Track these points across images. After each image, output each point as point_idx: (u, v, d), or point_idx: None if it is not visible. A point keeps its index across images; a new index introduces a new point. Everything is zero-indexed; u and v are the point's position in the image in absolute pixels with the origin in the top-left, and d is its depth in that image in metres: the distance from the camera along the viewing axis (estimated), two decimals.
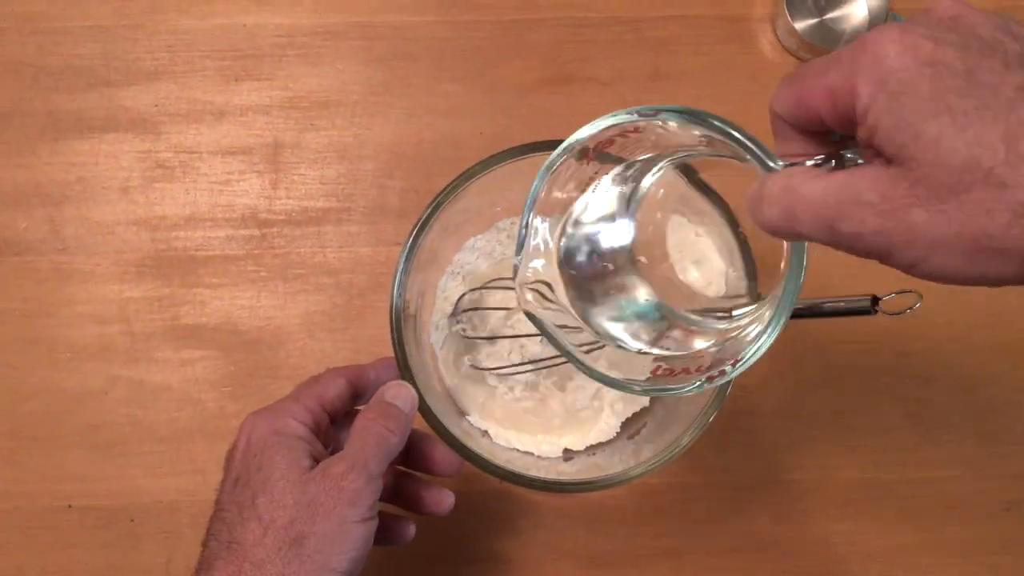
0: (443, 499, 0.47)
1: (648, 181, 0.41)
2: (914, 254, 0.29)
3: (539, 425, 0.55)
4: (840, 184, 0.30)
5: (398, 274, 0.47)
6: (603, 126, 0.38)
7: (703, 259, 0.45)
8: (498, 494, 0.58)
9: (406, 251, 0.47)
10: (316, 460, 0.42)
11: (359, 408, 0.47)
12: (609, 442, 0.54)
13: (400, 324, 0.47)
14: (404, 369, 0.47)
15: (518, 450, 0.54)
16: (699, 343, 0.41)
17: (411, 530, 0.48)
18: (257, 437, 0.42)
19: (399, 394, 0.45)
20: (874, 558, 0.59)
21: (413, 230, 0.47)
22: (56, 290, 0.60)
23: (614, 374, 0.40)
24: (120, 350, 0.59)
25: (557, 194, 0.41)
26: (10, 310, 0.59)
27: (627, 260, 0.40)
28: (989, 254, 0.28)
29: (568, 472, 0.52)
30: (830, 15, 0.61)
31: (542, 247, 0.41)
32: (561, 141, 0.47)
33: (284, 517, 0.39)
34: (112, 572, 0.57)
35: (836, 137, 0.33)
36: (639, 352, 0.41)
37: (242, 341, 0.59)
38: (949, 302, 0.60)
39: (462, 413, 0.55)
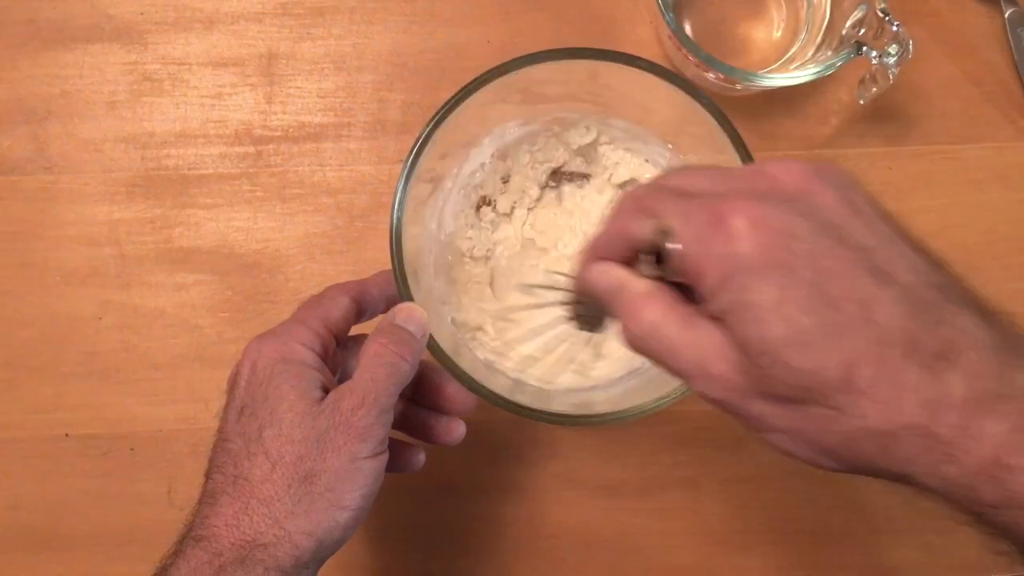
0: (454, 428, 0.46)
1: None
2: (754, 427, 0.30)
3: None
4: (695, 342, 0.30)
5: (398, 194, 0.44)
6: None
7: None
8: (510, 423, 0.56)
9: (407, 170, 0.44)
10: (325, 389, 0.40)
11: (363, 333, 0.45)
12: (626, 375, 0.52)
13: (401, 248, 0.44)
14: (407, 298, 0.44)
15: (531, 384, 0.52)
16: None
17: (421, 458, 0.46)
18: (263, 364, 0.40)
19: (411, 316, 0.43)
20: (896, 488, 0.57)
21: (414, 147, 0.44)
22: (44, 211, 0.57)
23: None
24: (111, 274, 0.56)
25: None
26: None
27: None
28: (821, 454, 0.29)
29: (584, 404, 0.50)
30: None
31: None
32: (573, 49, 0.44)
33: (293, 453, 0.38)
34: (112, 501, 0.55)
35: None
36: None
37: (239, 264, 0.57)
38: None
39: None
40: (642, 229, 0.31)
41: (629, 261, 0.33)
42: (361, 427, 0.38)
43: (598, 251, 0.34)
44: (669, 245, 0.30)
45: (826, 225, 0.28)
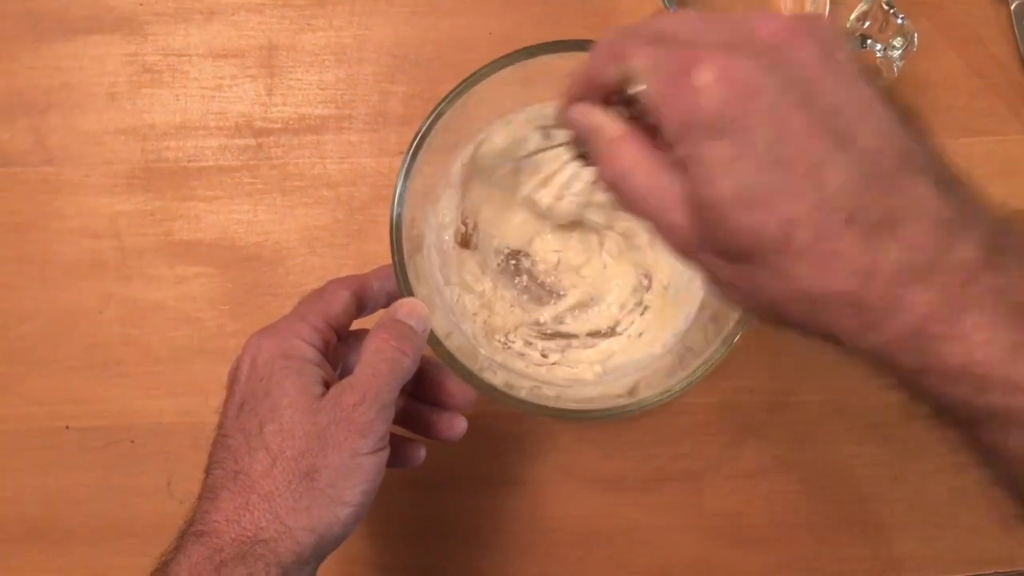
0: (455, 423, 0.46)
1: None
2: (708, 278, 0.31)
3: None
4: (658, 193, 0.31)
5: (398, 188, 0.44)
6: None
7: None
8: (510, 416, 0.56)
9: (406, 164, 0.44)
10: (326, 385, 0.40)
11: (364, 328, 0.45)
12: (623, 371, 0.51)
13: (401, 243, 0.44)
14: (407, 293, 0.44)
15: (532, 377, 0.51)
16: None
17: (421, 453, 0.46)
18: (264, 360, 0.40)
19: (412, 311, 0.42)
20: (901, 480, 0.57)
21: (414, 140, 0.44)
22: (44, 204, 0.57)
23: None
24: (112, 267, 0.56)
25: None
26: None
27: None
28: (762, 308, 0.30)
29: (584, 399, 0.50)
30: None
31: None
32: (576, 41, 0.44)
33: (294, 448, 0.37)
34: (113, 494, 0.55)
35: None
36: None
37: (239, 257, 0.56)
38: None
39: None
40: (610, 73, 0.31)
41: (607, 102, 0.33)
42: (362, 423, 0.38)
43: (573, 92, 0.34)
44: (633, 89, 0.30)
45: (795, 81, 0.28)
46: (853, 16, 0.51)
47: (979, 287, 0.27)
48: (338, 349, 0.44)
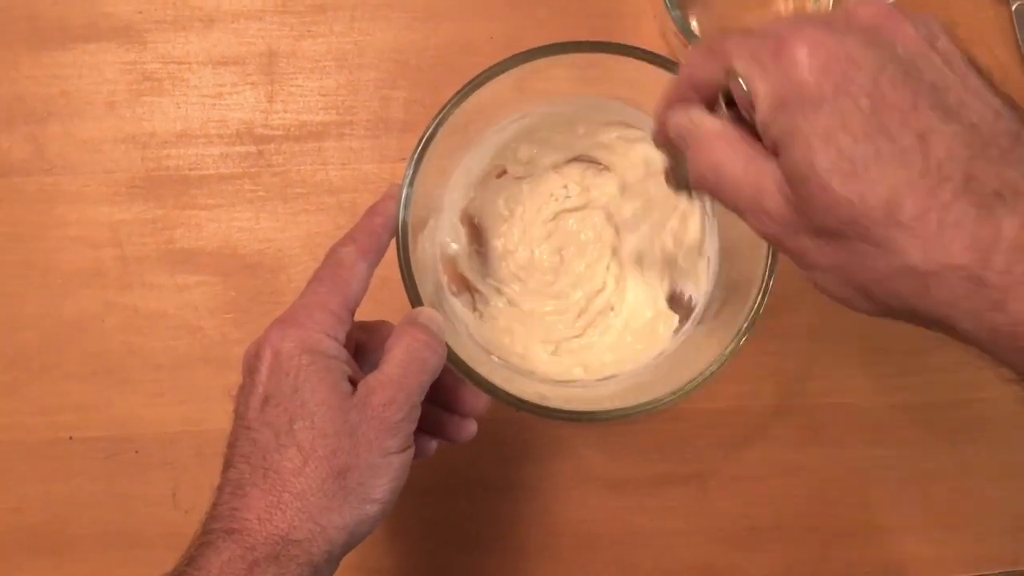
0: (465, 426, 0.46)
1: None
2: (801, 263, 0.31)
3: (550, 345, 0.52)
4: (754, 179, 0.30)
5: (404, 192, 0.44)
6: None
7: None
8: (517, 423, 0.56)
9: (411, 169, 0.44)
10: (352, 381, 0.39)
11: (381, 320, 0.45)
12: (631, 372, 0.51)
13: (408, 252, 0.43)
14: (415, 300, 0.44)
15: (533, 376, 0.51)
16: None
17: (433, 445, 0.46)
18: (287, 354, 0.39)
19: (432, 318, 0.42)
20: (907, 482, 0.57)
21: (418, 146, 0.44)
22: (44, 212, 0.57)
23: None
24: (113, 275, 0.56)
25: None
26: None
27: None
28: (858, 293, 0.29)
29: (586, 401, 0.50)
30: None
31: None
32: (579, 43, 0.44)
33: (326, 447, 0.37)
34: (117, 503, 0.55)
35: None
36: None
37: (241, 265, 0.56)
38: None
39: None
40: (709, 72, 0.31)
41: (707, 104, 0.33)
42: (393, 422, 0.38)
43: (672, 97, 0.34)
44: (734, 84, 0.30)
45: (897, 58, 0.27)
46: None
47: None
48: (354, 331, 0.43)
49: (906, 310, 0.28)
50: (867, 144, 0.26)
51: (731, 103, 0.32)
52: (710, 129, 0.32)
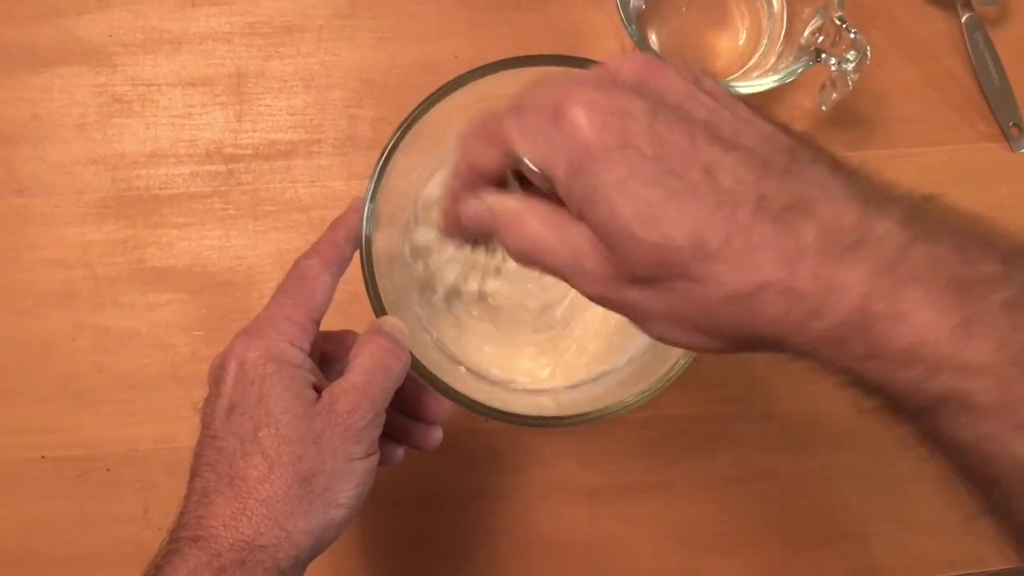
0: (430, 433, 0.46)
1: None
2: (635, 317, 0.30)
3: (517, 351, 0.52)
4: (569, 244, 0.30)
5: (366, 208, 0.44)
6: None
7: None
8: (485, 433, 0.56)
9: (372, 184, 0.44)
10: (316, 388, 0.40)
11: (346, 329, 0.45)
12: (599, 376, 0.52)
13: (372, 263, 0.44)
14: (379, 310, 0.44)
15: (501, 384, 0.52)
16: None
17: (400, 452, 0.46)
18: (252, 364, 0.39)
19: (396, 327, 0.43)
20: (874, 487, 0.58)
21: (379, 161, 0.44)
22: (15, 234, 0.57)
23: None
24: (84, 296, 0.56)
25: None
26: None
27: None
28: (697, 332, 0.29)
29: (554, 408, 0.50)
30: None
31: None
32: (535, 56, 0.45)
33: (291, 453, 0.37)
34: (89, 522, 0.55)
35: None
36: None
37: (212, 283, 0.57)
38: None
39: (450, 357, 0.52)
40: (490, 161, 0.32)
41: (496, 185, 0.33)
42: (357, 429, 0.38)
43: (457, 188, 0.34)
44: (522, 166, 0.30)
45: (667, 103, 0.28)
46: (807, 31, 0.53)
47: (912, 261, 0.26)
48: (318, 342, 0.43)
49: (744, 338, 0.28)
50: (659, 187, 0.27)
51: (522, 179, 0.32)
52: (513, 208, 0.32)
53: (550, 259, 0.31)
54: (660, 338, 0.30)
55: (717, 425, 0.58)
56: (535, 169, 0.30)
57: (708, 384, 0.57)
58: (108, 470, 0.56)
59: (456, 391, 0.44)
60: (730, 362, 0.57)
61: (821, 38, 0.51)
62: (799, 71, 0.51)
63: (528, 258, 0.32)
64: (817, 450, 0.58)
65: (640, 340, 0.52)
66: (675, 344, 0.30)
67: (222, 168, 0.58)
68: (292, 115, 0.58)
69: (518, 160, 0.30)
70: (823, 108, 0.56)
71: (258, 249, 0.57)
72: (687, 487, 0.57)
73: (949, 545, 0.57)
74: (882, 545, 0.57)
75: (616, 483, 0.57)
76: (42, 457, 0.55)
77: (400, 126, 0.45)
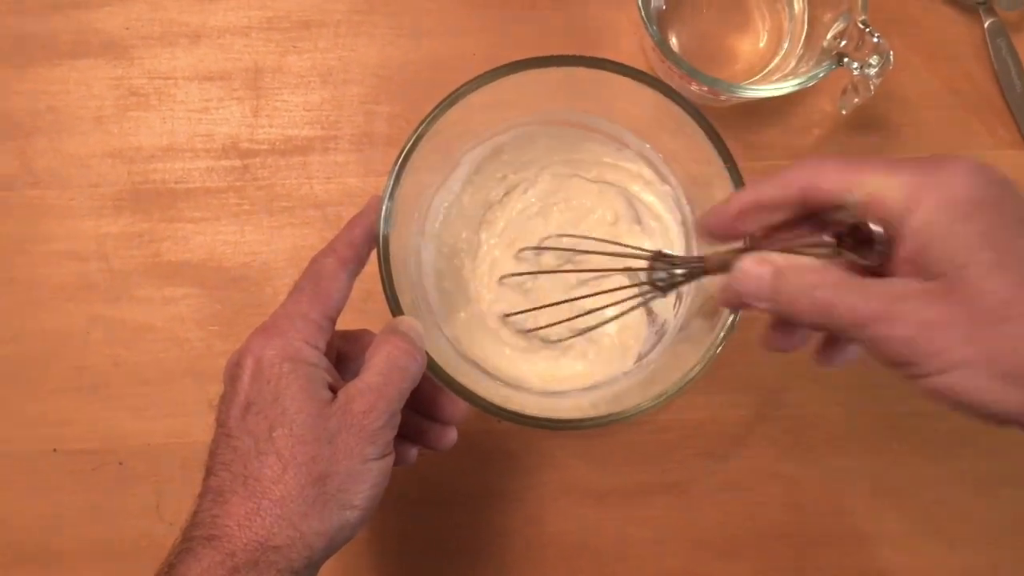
0: (445, 433, 0.46)
1: None
2: (935, 366, 0.31)
3: (533, 354, 0.52)
4: (879, 292, 0.32)
5: (384, 207, 0.44)
6: None
7: None
8: (499, 434, 0.56)
9: (391, 184, 0.44)
10: (331, 388, 0.40)
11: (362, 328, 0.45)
12: (614, 379, 0.52)
13: (389, 262, 0.44)
14: (395, 310, 0.44)
15: (517, 386, 0.52)
16: None
17: (413, 452, 0.46)
18: (268, 362, 0.39)
19: (412, 327, 0.43)
20: (882, 491, 0.57)
21: (398, 159, 0.44)
22: (31, 227, 0.57)
23: None
24: (100, 289, 0.56)
25: None
26: None
27: None
28: (1012, 382, 0.30)
29: (569, 410, 0.50)
30: None
31: None
32: (553, 57, 0.44)
33: (305, 453, 0.37)
34: (102, 516, 0.55)
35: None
36: None
37: (227, 278, 0.57)
38: None
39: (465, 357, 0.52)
40: (830, 188, 0.34)
41: (785, 223, 0.36)
42: (372, 430, 0.38)
43: (747, 205, 0.37)
44: (852, 211, 0.33)
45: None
46: (830, 35, 0.52)
47: None
48: (334, 341, 0.43)
49: None
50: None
51: (841, 241, 0.34)
52: (812, 265, 0.35)
53: (849, 306, 0.33)
54: (955, 387, 0.31)
55: (726, 429, 0.57)
56: (874, 223, 0.32)
57: (720, 389, 0.57)
58: (121, 464, 0.56)
59: (472, 392, 0.44)
60: (742, 369, 0.56)
61: (844, 42, 0.51)
62: (821, 75, 0.51)
63: (824, 309, 0.34)
64: (826, 454, 0.57)
65: (652, 345, 0.52)
66: (966, 397, 0.31)
67: (238, 163, 0.58)
68: (309, 111, 0.58)
69: (853, 206, 0.33)
70: (843, 112, 0.56)
71: (273, 245, 0.57)
72: (698, 490, 0.57)
73: (956, 552, 0.57)
74: (888, 550, 0.57)
75: (627, 485, 0.57)
76: (55, 450, 0.56)
77: (419, 126, 0.44)
